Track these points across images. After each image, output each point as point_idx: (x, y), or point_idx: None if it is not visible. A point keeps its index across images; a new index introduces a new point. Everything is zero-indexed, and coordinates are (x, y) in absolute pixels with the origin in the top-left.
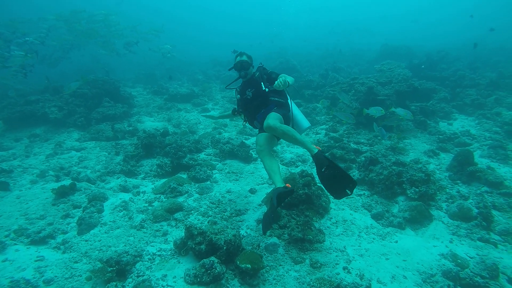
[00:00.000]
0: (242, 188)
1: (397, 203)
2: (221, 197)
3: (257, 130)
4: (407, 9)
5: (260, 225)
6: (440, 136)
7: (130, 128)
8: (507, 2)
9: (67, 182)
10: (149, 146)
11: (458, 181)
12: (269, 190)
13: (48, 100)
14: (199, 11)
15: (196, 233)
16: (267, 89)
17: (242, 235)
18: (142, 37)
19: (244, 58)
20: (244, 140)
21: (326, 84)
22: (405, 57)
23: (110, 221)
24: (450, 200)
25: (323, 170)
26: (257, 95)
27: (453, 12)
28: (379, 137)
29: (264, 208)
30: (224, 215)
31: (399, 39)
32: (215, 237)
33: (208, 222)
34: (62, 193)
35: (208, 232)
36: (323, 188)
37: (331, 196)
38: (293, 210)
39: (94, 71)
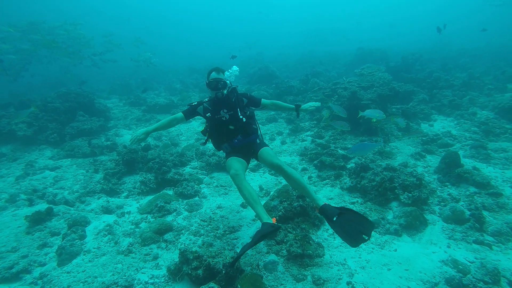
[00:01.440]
0: (233, 203)
1: (391, 209)
2: (212, 213)
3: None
4: (381, 17)
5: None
6: (424, 138)
7: (108, 142)
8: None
9: (42, 206)
10: (131, 162)
11: (447, 183)
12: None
13: (15, 116)
14: (175, 23)
15: (191, 257)
16: (244, 119)
17: (235, 251)
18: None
19: (221, 76)
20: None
21: (307, 90)
22: (380, 60)
23: (94, 248)
24: (442, 203)
25: (334, 219)
26: (235, 119)
27: (418, 15)
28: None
29: (258, 223)
30: (217, 233)
31: (373, 44)
32: (212, 261)
33: (203, 244)
34: (37, 220)
35: (205, 256)
36: (338, 237)
37: (348, 244)
38: (289, 224)
39: (64, 83)
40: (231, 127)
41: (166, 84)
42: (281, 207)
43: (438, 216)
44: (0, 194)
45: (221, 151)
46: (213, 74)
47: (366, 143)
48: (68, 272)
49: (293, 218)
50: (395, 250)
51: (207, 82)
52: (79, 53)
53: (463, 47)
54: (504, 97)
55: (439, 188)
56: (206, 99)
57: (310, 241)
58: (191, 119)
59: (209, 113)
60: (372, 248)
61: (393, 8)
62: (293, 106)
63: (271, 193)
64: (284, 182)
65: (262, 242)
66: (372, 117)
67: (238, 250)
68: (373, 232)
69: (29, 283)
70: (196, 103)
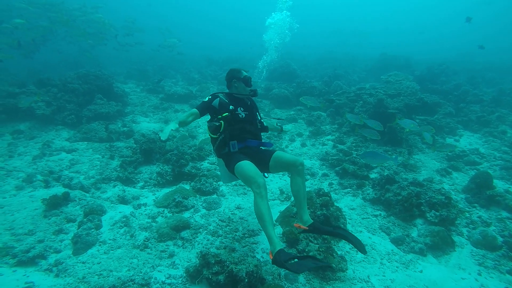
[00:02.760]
0: (252, 205)
1: (415, 226)
2: (231, 214)
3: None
4: (404, 22)
5: None
6: (449, 153)
7: (125, 128)
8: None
9: (58, 189)
10: (149, 151)
11: (476, 205)
12: (281, 207)
13: (34, 93)
14: (193, 13)
15: (213, 261)
16: (259, 125)
17: (257, 259)
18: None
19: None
20: None
21: (329, 92)
22: (404, 67)
23: (110, 239)
24: (471, 225)
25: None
26: (251, 120)
27: (442, 23)
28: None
29: (279, 229)
30: (235, 235)
31: (395, 49)
32: (235, 268)
33: (224, 248)
34: (54, 204)
35: (227, 262)
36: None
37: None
38: (310, 233)
39: (82, 64)
40: (248, 126)
41: (183, 74)
42: None
43: (467, 239)
44: (17, 173)
45: (221, 155)
46: (244, 72)
47: (379, 153)
48: (83, 263)
49: None
50: (421, 271)
51: (241, 77)
52: (100, 34)
53: (488, 60)
54: None
55: (468, 209)
56: (220, 93)
57: (334, 254)
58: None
59: (231, 106)
60: (397, 267)
61: (417, 14)
62: (279, 127)
63: (292, 198)
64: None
65: None
66: (406, 127)
67: (257, 255)
68: (397, 249)
69: (45, 269)
70: (208, 99)
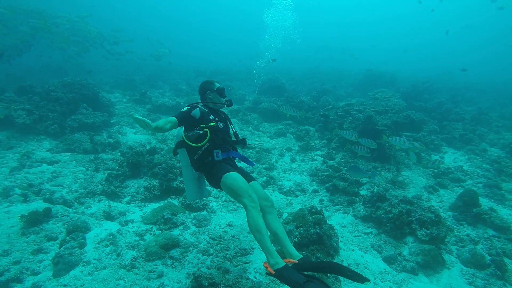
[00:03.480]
0: (243, 221)
1: (406, 244)
2: (222, 231)
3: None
4: (393, 42)
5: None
6: (435, 170)
7: (111, 140)
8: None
9: (38, 204)
10: (136, 165)
11: (463, 222)
12: None
13: (13, 101)
14: (182, 25)
15: (206, 284)
16: (233, 137)
17: (252, 281)
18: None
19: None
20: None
21: (318, 107)
22: (389, 84)
23: (95, 259)
24: (460, 243)
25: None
26: (227, 132)
27: (427, 43)
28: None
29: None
30: (227, 254)
31: (380, 66)
32: None
33: (218, 269)
34: (33, 221)
35: (221, 284)
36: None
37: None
38: (303, 252)
39: (66, 71)
40: (227, 137)
41: (171, 84)
42: (297, 233)
43: (456, 258)
44: None
45: (203, 164)
46: (217, 84)
47: (359, 169)
48: (64, 286)
49: (308, 245)
50: None
51: (215, 88)
52: (85, 43)
53: (467, 80)
54: None
55: (455, 227)
56: (199, 103)
57: (327, 274)
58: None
59: (212, 116)
60: (390, 287)
61: (403, 34)
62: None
63: (284, 215)
64: (296, 206)
65: None
66: (396, 144)
67: (250, 276)
68: (389, 268)
69: None
70: (187, 108)
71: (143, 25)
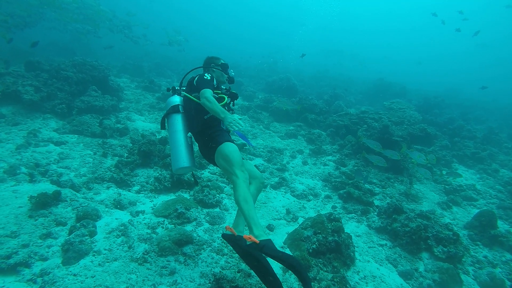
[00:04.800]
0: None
1: (421, 260)
2: None
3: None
4: (403, 54)
5: (287, 275)
6: (447, 186)
7: (119, 125)
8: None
9: (45, 185)
10: (147, 153)
11: (479, 243)
12: (288, 228)
13: (21, 76)
14: (194, 18)
15: (228, 287)
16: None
17: None
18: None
19: None
20: (247, 159)
21: (330, 111)
22: (400, 95)
23: (105, 249)
24: (477, 265)
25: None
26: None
27: (435, 58)
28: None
29: (288, 252)
30: None
31: (390, 76)
32: None
33: (239, 272)
34: (42, 204)
35: None
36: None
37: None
38: (320, 259)
39: (73, 50)
40: (230, 111)
41: (179, 74)
42: (315, 239)
43: (473, 279)
44: None
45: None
46: (222, 60)
47: (361, 173)
48: (74, 275)
49: (325, 253)
50: None
51: (219, 63)
52: (94, 22)
53: (473, 98)
54: None
55: (471, 247)
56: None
57: (347, 285)
58: None
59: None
60: None
61: (414, 46)
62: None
63: (300, 219)
64: (310, 211)
65: (293, 277)
66: (414, 159)
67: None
68: (406, 284)
69: (27, 279)
70: (210, 76)
71: (155, 13)
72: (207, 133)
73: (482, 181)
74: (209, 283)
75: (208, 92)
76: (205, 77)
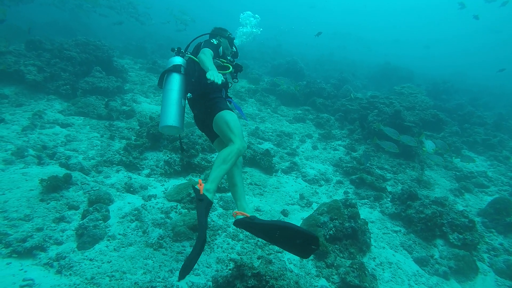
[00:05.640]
0: (272, 208)
1: (435, 247)
2: None
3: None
4: (410, 38)
5: (304, 261)
6: (457, 173)
7: (125, 107)
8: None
9: (53, 168)
10: (157, 136)
11: (493, 230)
12: (303, 214)
13: (23, 55)
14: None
15: (249, 274)
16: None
17: (296, 274)
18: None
19: None
20: (258, 145)
21: (338, 95)
22: (406, 79)
23: (120, 234)
24: (492, 252)
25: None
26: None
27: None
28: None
29: None
30: (258, 241)
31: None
32: (276, 284)
33: (258, 259)
34: (53, 187)
35: (266, 276)
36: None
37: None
38: (336, 245)
39: (72, 30)
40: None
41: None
42: (332, 225)
43: (489, 266)
44: (5, 144)
45: (205, 92)
46: (229, 33)
47: (367, 156)
48: (91, 260)
49: (342, 239)
50: None
51: (226, 35)
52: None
53: (480, 83)
54: None
55: (485, 234)
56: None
57: (366, 272)
58: None
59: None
60: None
61: (419, 28)
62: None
63: (314, 205)
64: (322, 196)
65: (310, 263)
66: (427, 148)
67: (292, 267)
68: (422, 270)
69: (44, 263)
70: (217, 42)
71: None
72: (209, 97)
73: (493, 168)
74: (229, 269)
75: (208, 50)
76: (212, 41)
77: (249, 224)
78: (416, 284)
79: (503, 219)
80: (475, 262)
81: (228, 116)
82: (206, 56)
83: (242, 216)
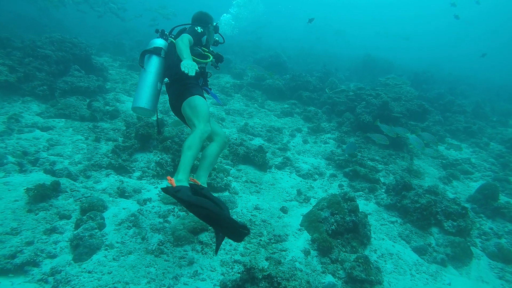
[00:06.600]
0: (270, 205)
1: (431, 235)
2: (251, 215)
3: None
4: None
5: (309, 258)
6: (443, 161)
7: (109, 107)
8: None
9: (38, 175)
10: (146, 137)
11: (482, 215)
12: (301, 210)
13: None
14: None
15: (260, 276)
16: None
17: (306, 273)
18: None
19: None
20: (249, 141)
21: (324, 88)
22: (387, 71)
23: (118, 242)
24: (483, 236)
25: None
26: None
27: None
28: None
29: (306, 235)
30: (261, 240)
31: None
32: (288, 285)
33: (266, 260)
34: (41, 196)
35: (278, 278)
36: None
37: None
38: (338, 240)
39: (41, 26)
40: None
41: None
42: (333, 220)
43: (481, 251)
44: None
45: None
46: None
47: (354, 145)
48: (89, 272)
49: (343, 233)
50: (449, 284)
51: (214, 23)
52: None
53: (455, 73)
54: (509, 132)
55: (476, 220)
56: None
57: (370, 265)
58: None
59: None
60: (426, 279)
61: (395, 20)
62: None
63: (312, 200)
64: (318, 191)
65: (315, 259)
66: (413, 144)
67: (289, 266)
68: (421, 259)
69: (38, 279)
70: (201, 31)
71: None
72: (183, 82)
73: (476, 154)
74: (238, 272)
75: (186, 36)
76: (196, 29)
77: (196, 192)
78: (417, 273)
79: (490, 204)
80: (470, 247)
81: (196, 101)
82: (184, 43)
83: (192, 182)
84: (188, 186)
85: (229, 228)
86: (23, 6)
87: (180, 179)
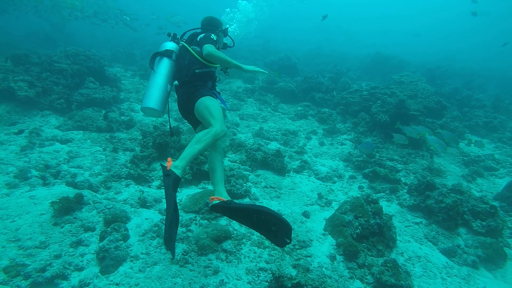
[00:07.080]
0: (292, 210)
1: (459, 236)
2: None
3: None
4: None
5: (335, 263)
6: (465, 158)
7: (124, 117)
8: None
9: (61, 188)
10: (164, 146)
11: None
12: (324, 214)
13: (10, 71)
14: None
15: (290, 285)
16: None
17: (335, 280)
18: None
19: None
20: (263, 144)
21: (337, 88)
22: (398, 68)
23: (143, 253)
24: None
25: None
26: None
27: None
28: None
29: (330, 239)
30: (285, 247)
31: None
32: None
33: (295, 267)
34: (66, 209)
35: (308, 286)
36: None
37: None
38: (363, 243)
39: (55, 40)
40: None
41: None
42: (357, 224)
43: None
44: (5, 166)
45: (194, 79)
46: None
47: (371, 145)
48: (117, 284)
49: (369, 237)
50: None
51: (223, 28)
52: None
53: (469, 66)
54: None
55: (506, 219)
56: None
57: (399, 269)
58: None
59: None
60: (459, 283)
61: (402, 17)
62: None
63: (332, 203)
64: (338, 193)
65: (341, 265)
66: (432, 145)
67: (317, 272)
68: (451, 262)
69: None
70: (216, 37)
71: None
72: (194, 84)
73: (499, 150)
74: (266, 281)
75: (212, 47)
76: (212, 37)
77: (226, 209)
78: (448, 276)
79: None
80: (503, 248)
81: (209, 102)
82: (223, 55)
83: (218, 201)
84: (178, 176)
85: (281, 227)
86: (36, 22)
87: (177, 166)
